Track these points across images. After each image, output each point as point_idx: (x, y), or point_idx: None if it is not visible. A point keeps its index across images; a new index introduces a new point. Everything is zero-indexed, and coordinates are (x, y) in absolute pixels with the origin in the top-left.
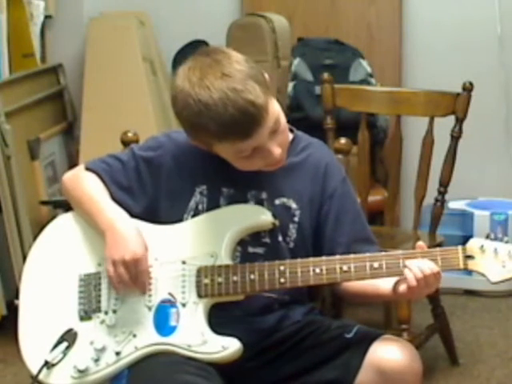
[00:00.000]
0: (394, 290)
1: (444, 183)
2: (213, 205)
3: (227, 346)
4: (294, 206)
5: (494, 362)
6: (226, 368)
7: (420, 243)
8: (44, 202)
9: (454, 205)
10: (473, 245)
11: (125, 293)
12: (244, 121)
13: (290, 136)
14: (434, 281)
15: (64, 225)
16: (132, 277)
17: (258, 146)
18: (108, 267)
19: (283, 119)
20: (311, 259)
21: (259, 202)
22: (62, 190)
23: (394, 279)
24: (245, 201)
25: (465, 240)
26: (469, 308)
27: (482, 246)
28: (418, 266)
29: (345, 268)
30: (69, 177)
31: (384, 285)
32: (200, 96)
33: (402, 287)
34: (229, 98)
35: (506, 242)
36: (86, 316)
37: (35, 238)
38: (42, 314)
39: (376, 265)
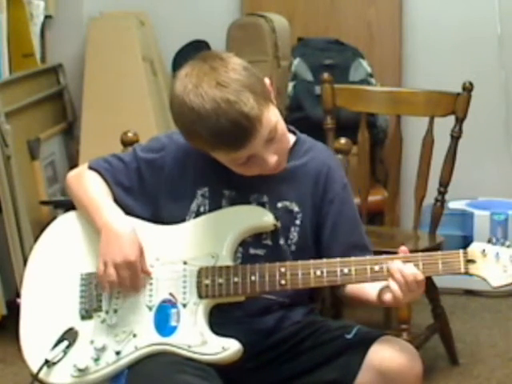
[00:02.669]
0: (379, 298)
1: (444, 183)
2: (215, 207)
3: (227, 347)
4: (296, 209)
5: (494, 362)
6: (226, 368)
7: (402, 248)
8: (44, 202)
9: (454, 205)
10: (474, 249)
11: (112, 292)
12: (236, 132)
13: (293, 139)
14: (417, 287)
15: (66, 224)
16: (121, 279)
17: (252, 154)
18: (99, 265)
19: (281, 127)
20: (312, 261)
21: (261, 205)
22: (66, 188)
23: (379, 285)
24: (247, 203)
25: (465, 240)
26: (469, 308)
27: (484, 251)
28: (402, 273)
29: (345, 271)
30: (72, 175)
31: (370, 291)
32: (194, 104)
33: (388, 296)
34: (221, 109)
35: (508, 247)
36: (86, 315)
37: (35, 237)
38: (44, 312)
39: (377, 268)
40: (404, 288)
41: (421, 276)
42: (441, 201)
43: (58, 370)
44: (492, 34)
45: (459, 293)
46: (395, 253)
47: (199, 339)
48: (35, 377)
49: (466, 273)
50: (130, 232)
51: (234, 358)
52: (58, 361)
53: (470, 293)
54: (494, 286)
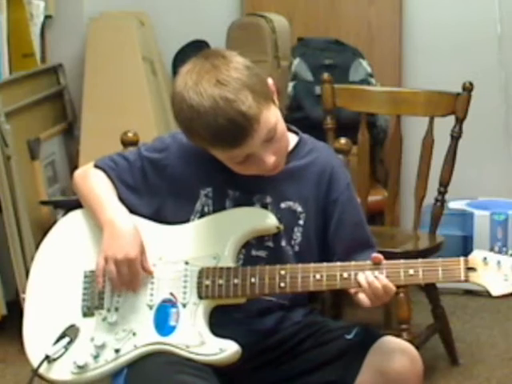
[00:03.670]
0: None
1: (444, 183)
2: (219, 207)
3: (225, 349)
4: (299, 209)
5: (494, 361)
6: (226, 368)
7: (375, 255)
8: (44, 202)
9: (453, 205)
10: (475, 256)
11: (109, 289)
12: (233, 131)
13: (295, 139)
14: (385, 295)
15: (73, 222)
16: (121, 276)
17: (250, 153)
18: (98, 261)
19: (281, 127)
20: (312, 265)
21: (264, 206)
22: (73, 185)
23: None
24: (250, 204)
25: (465, 240)
26: (469, 308)
27: (485, 259)
28: (371, 287)
29: (345, 275)
30: (79, 173)
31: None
32: (193, 101)
33: (358, 300)
34: (219, 107)
35: (511, 255)
36: (88, 312)
37: (35, 237)
38: (47, 308)
39: (376, 273)
40: (373, 298)
41: (391, 288)
42: (441, 201)
43: (58, 366)
44: (492, 34)
45: (459, 293)
46: (396, 253)
47: (197, 339)
48: (35, 372)
49: (466, 281)
50: (133, 230)
51: (232, 359)
52: (59, 357)
53: (469, 293)
54: (495, 294)
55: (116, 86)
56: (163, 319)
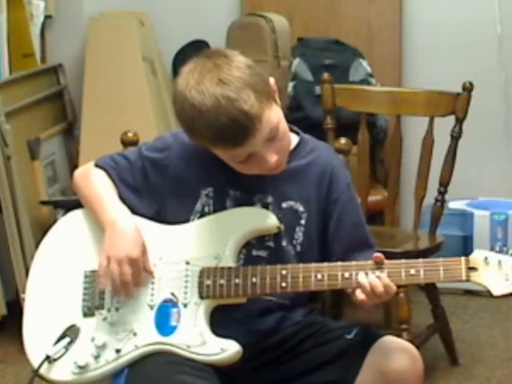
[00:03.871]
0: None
1: (444, 183)
2: (219, 207)
3: (226, 349)
4: (301, 209)
5: (494, 361)
6: (226, 368)
7: (377, 255)
8: (44, 202)
9: (453, 205)
10: (476, 256)
11: (110, 289)
12: (235, 130)
13: (296, 139)
14: (386, 294)
15: (73, 221)
16: (124, 275)
17: (252, 152)
18: (101, 261)
19: (283, 126)
20: (313, 265)
21: (265, 206)
22: (73, 185)
23: None
24: (251, 204)
25: (465, 240)
26: (469, 308)
27: (486, 258)
28: (372, 288)
29: (346, 275)
30: (79, 173)
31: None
32: (194, 100)
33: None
34: (221, 106)
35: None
36: (89, 312)
37: (35, 237)
38: (47, 308)
39: (377, 273)
40: (373, 297)
41: (392, 288)
42: (441, 201)
43: (58, 367)
44: (492, 34)
45: (459, 293)
46: (396, 253)
47: (198, 340)
48: (36, 372)
49: (468, 281)
50: (134, 230)
51: (233, 359)
52: (59, 357)
53: (469, 293)
54: (496, 294)
55: (116, 86)
56: (164, 319)
